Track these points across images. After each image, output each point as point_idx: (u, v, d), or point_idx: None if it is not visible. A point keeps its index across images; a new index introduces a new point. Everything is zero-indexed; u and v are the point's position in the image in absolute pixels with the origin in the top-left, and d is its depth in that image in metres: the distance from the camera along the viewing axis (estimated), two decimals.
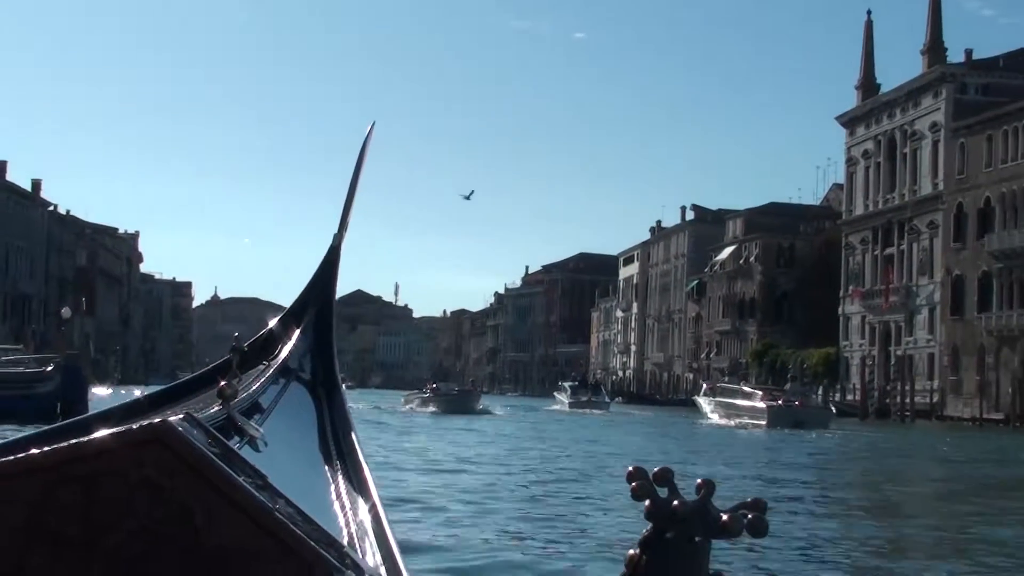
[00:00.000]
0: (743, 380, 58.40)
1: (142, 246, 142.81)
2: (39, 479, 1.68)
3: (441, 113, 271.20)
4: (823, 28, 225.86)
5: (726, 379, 62.24)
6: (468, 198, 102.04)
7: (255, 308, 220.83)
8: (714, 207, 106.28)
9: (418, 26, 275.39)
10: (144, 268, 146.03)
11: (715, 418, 50.86)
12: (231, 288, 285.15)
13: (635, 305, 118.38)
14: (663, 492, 1.64)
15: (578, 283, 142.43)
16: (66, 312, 57.48)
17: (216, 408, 2.74)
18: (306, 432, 3.61)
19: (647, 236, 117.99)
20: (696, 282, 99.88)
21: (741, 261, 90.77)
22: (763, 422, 45.59)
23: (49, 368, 29.21)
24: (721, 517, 1.61)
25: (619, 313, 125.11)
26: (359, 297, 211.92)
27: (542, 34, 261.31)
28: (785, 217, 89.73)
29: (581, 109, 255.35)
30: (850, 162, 79.14)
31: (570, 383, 72.78)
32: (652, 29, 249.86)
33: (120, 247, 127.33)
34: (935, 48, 70.24)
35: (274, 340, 4.16)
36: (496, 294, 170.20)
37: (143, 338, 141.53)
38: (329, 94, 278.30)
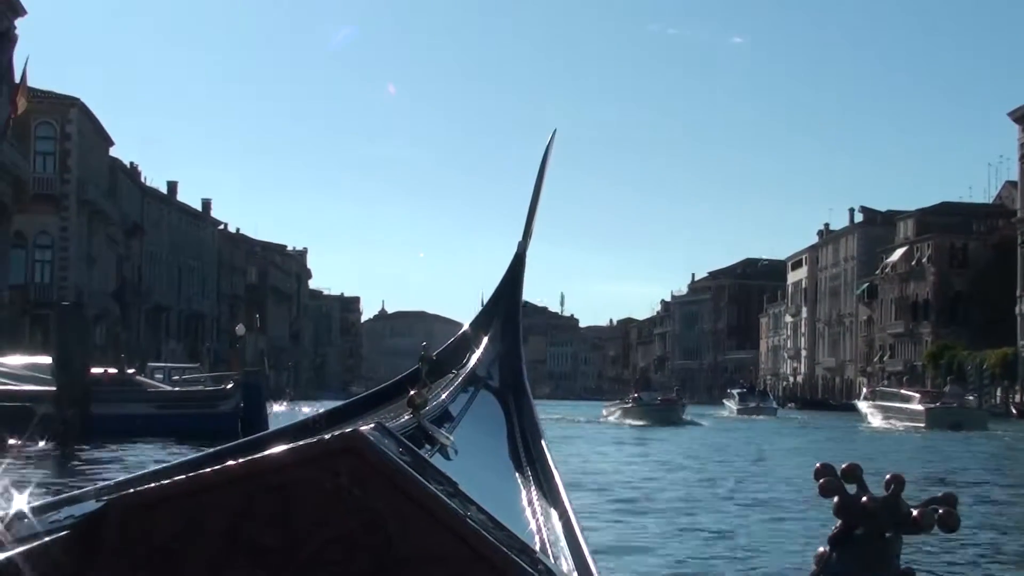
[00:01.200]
0: (903, 384, 57.19)
1: (310, 262, 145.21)
2: (240, 489, 1.72)
3: (606, 122, 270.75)
4: (994, 21, 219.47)
5: (886, 383, 60.90)
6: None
7: (422, 321, 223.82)
8: (883, 208, 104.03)
9: (579, 33, 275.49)
10: (313, 284, 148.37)
11: (875, 421, 51.20)
12: (398, 302, 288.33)
13: (804, 309, 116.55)
14: (851, 488, 1.61)
15: (745, 289, 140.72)
16: (240, 329, 58.32)
17: (407, 417, 2.81)
18: (496, 439, 3.67)
19: (814, 240, 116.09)
20: (867, 285, 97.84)
21: (913, 262, 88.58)
22: (921, 424, 45.87)
23: (229, 386, 29.17)
24: (911, 512, 1.60)
25: (788, 318, 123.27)
26: (527, 308, 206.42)
27: (699, 39, 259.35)
28: (957, 217, 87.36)
29: (746, 114, 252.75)
30: None
31: (738, 390, 73.60)
32: (814, 29, 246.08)
33: (289, 264, 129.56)
34: None
35: (462, 349, 4.22)
36: (662, 302, 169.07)
37: (313, 354, 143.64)
38: (492, 105, 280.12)
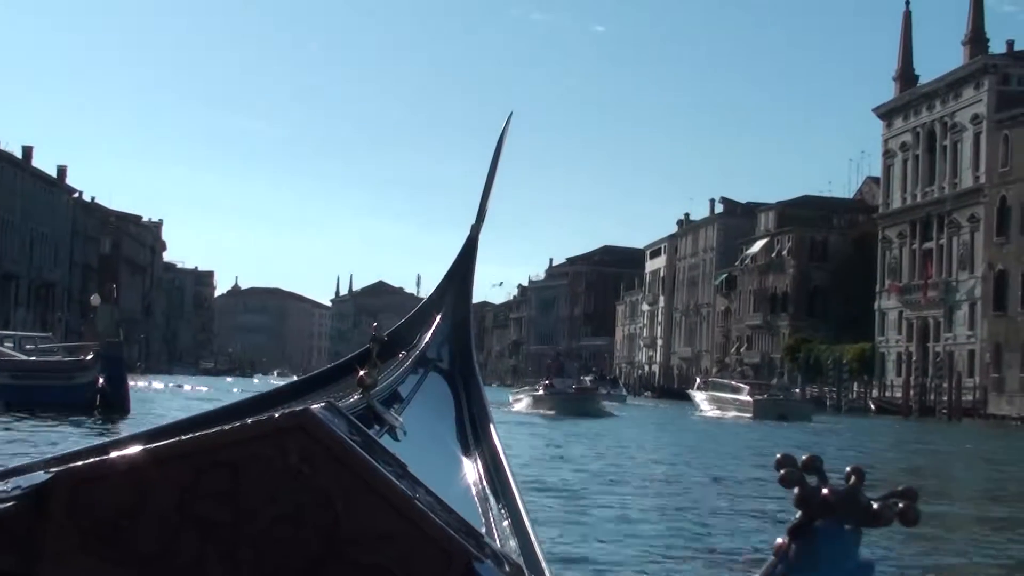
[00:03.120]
0: (736, 375, 58.52)
1: (165, 234, 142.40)
2: (189, 464, 1.75)
3: (461, 104, 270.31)
4: (856, 19, 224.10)
5: (739, 372, 61.84)
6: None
7: (276, 298, 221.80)
8: (743, 200, 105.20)
9: (434, 17, 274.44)
10: (167, 257, 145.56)
11: (707, 410, 52.82)
12: (252, 279, 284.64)
13: (662, 299, 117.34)
14: (812, 480, 1.61)
15: (603, 276, 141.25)
16: (95, 299, 56.58)
17: (356, 397, 2.83)
18: (444, 422, 3.63)
19: (674, 229, 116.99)
20: (725, 276, 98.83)
21: (773, 255, 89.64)
22: (749, 414, 47.76)
23: (89, 357, 27.77)
24: (872, 505, 1.59)
25: (645, 307, 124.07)
26: (380, 288, 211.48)
27: (562, 26, 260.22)
28: (818, 210, 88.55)
29: (607, 100, 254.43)
30: (887, 155, 77.84)
31: (589, 377, 73.43)
32: (680, 19, 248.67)
33: (144, 235, 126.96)
34: (977, 39, 69.07)
35: (413, 330, 4.19)
36: (519, 286, 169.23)
37: (165, 328, 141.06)
38: (345, 82, 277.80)
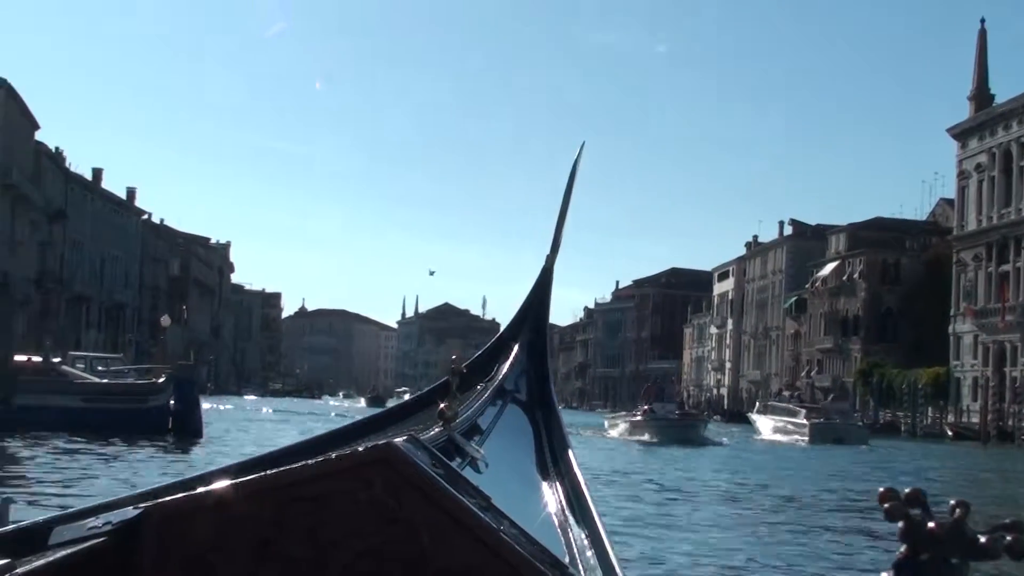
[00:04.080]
0: (793, 399, 57.92)
1: (233, 256, 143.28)
2: (272, 499, 1.77)
3: (526, 126, 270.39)
4: (930, 38, 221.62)
5: (777, 398, 61.75)
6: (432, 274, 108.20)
7: (343, 320, 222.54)
8: (813, 222, 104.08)
9: (498, 40, 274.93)
10: (235, 279, 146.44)
11: (766, 434, 52.65)
12: (319, 300, 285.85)
13: (730, 321, 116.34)
14: (916, 513, 1.61)
15: (670, 298, 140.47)
16: (166, 320, 56.66)
17: (437, 429, 2.78)
18: (524, 453, 3.64)
19: (742, 251, 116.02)
20: (795, 298, 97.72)
21: (844, 277, 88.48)
22: (807, 438, 47.80)
23: (162, 379, 27.67)
24: (979, 538, 1.58)
25: (713, 329, 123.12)
26: (446, 310, 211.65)
27: (628, 48, 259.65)
28: (890, 232, 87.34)
29: (672, 122, 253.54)
30: (962, 176, 76.53)
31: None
32: (745, 39, 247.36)
33: (212, 257, 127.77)
34: None
35: (490, 361, 4.22)
36: (586, 309, 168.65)
37: (233, 349, 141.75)
38: (414, 105, 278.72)
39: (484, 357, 4.33)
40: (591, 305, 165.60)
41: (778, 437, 50.26)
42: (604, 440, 38.90)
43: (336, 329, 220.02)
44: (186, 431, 25.74)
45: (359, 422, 3.60)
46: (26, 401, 22.68)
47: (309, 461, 1.79)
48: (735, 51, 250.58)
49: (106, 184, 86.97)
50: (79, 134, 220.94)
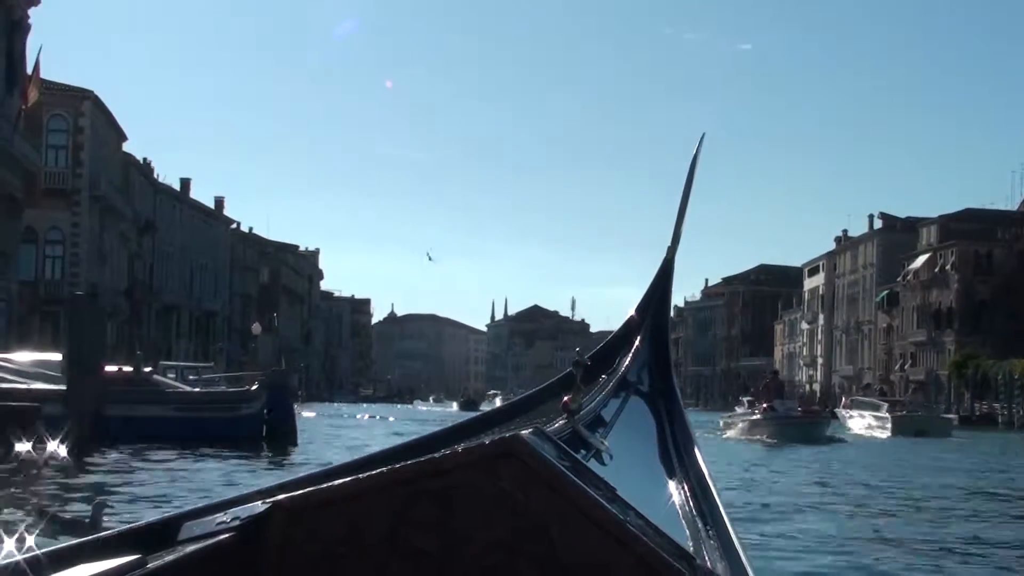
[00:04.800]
0: (878, 394, 60.24)
1: (322, 263, 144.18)
2: (399, 492, 1.79)
3: (612, 127, 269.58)
4: (1017, 26, 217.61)
5: (861, 393, 61.56)
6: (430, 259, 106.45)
7: (432, 324, 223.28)
8: (903, 215, 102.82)
9: (585, 41, 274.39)
10: (324, 285, 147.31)
11: (855, 428, 52.53)
12: (408, 305, 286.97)
13: (821, 317, 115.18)
14: None
15: (760, 295, 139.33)
16: (256, 328, 57.15)
17: (561, 422, 2.78)
18: (648, 445, 3.60)
19: (831, 246, 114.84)
20: (887, 292, 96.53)
21: (936, 269, 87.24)
22: (890, 431, 47.86)
23: (254, 387, 27.31)
24: None
25: (804, 325, 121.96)
26: (535, 312, 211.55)
27: (710, 45, 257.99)
28: (981, 223, 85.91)
29: (757, 119, 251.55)
30: None
31: (747, 398, 73.55)
32: (834, 32, 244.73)
33: (301, 264, 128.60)
34: None
35: (612, 353, 4.20)
36: (676, 307, 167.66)
37: (324, 356, 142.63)
38: (501, 108, 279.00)
39: (606, 349, 4.30)
40: (681, 304, 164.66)
41: (863, 431, 50.29)
42: (722, 441, 37.09)
43: (426, 334, 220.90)
44: (280, 439, 25.34)
45: (482, 415, 3.61)
46: (117, 412, 22.46)
47: (436, 455, 1.82)
48: (819, 46, 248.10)
49: (194, 194, 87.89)
50: (167, 145, 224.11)
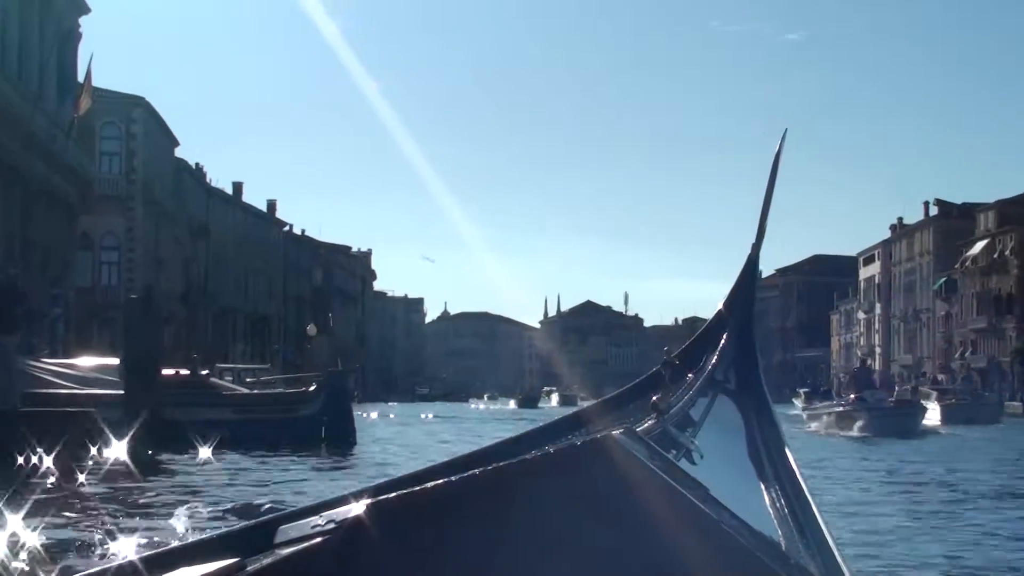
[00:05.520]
0: (931, 382, 59.61)
1: (374, 264, 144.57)
2: (492, 494, 1.79)
3: (662, 119, 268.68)
4: None
5: (919, 381, 61.97)
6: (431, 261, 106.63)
7: (486, 322, 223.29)
8: (959, 201, 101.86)
9: (643, 30, 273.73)
10: (377, 286, 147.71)
11: None
12: (461, 303, 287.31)
13: (877, 306, 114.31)
14: None
15: (814, 285, 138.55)
16: (312, 330, 57.17)
17: (651, 422, 2.79)
18: (737, 444, 3.51)
19: (886, 234, 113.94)
20: (944, 279, 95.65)
21: (995, 255, 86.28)
22: (939, 420, 47.15)
23: (312, 388, 27.14)
24: None
25: (860, 315, 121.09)
26: (589, 308, 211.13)
27: (757, 35, 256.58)
28: None
29: (811, 108, 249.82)
30: None
31: (804, 390, 74.61)
32: (881, 17, 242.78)
33: (354, 265, 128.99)
34: None
35: (698, 351, 4.22)
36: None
37: (379, 356, 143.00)
38: (554, 102, 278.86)
39: (693, 347, 4.32)
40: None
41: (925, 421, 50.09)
42: (806, 434, 35.06)
43: (480, 331, 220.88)
44: (339, 441, 25.00)
45: (569, 416, 3.61)
46: (175, 415, 22.39)
47: (527, 455, 1.81)
48: (867, 33, 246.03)
49: (247, 197, 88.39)
50: (218, 149, 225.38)
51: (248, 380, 37.83)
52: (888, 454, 25.38)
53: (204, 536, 2.26)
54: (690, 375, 3.89)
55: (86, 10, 43.85)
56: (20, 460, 15.39)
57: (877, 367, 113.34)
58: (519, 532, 1.71)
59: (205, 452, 19.82)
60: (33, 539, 8.31)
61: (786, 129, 5.16)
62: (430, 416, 55.72)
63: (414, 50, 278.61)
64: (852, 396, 39.41)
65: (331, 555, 1.80)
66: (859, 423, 36.57)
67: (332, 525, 1.86)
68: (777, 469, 3.31)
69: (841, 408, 39.66)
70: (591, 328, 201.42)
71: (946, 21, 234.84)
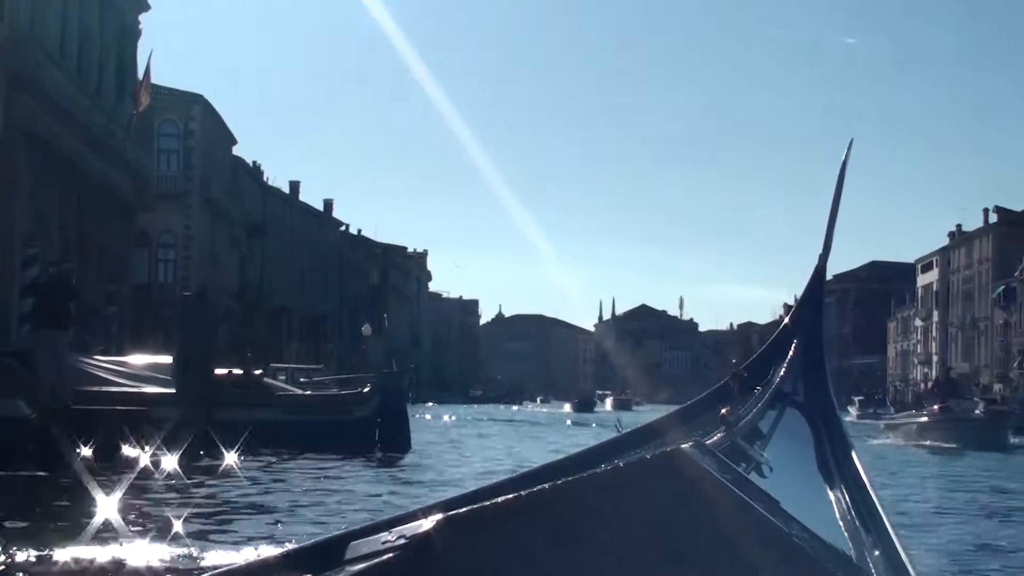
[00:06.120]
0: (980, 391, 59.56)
1: (430, 265, 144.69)
2: (564, 509, 1.79)
3: (714, 125, 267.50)
4: None
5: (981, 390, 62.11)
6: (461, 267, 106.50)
7: (540, 325, 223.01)
8: (1019, 208, 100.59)
9: (697, 34, 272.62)
10: (432, 287, 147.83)
11: None
12: (515, 306, 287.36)
13: (935, 313, 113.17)
14: None
15: (871, 292, 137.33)
16: (367, 330, 57.07)
17: (720, 435, 2.78)
18: (806, 457, 3.55)
19: (944, 241, 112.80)
20: (1003, 287, 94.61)
21: None
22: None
23: (367, 389, 26.38)
24: None
25: (918, 322, 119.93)
26: (644, 312, 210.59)
27: (819, 40, 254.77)
28: None
29: (870, 114, 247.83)
30: None
31: (859, 398, 78.72)
32: (938, 21, 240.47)
33: (410, 266, 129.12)
34: None
35: (766, 364, 4.22)
36: (785, 305, 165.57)
37: (433, 357, 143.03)
38: (609, 108, 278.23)
39: (760, 360, 4.35)
40: (791, 302, 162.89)
41: None
42: (882, 448, 32.55)
43: (534, 334, 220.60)
44: (394, 443, 24.47)
45: (641, 428, 3.63)
46: (228, 415, 22.10)
47: (598, 469, 1.82)
48: (925, 37, 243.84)
49: (303, 196, 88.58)
50: (276, 148, 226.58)
51: (301, 380, 37.65)
52: (983, 470, 23.57)
53: (275, 552, 2.29)
54: (758, 388, 3.90)
55: (146, 7, 44.08)
56: (70, 457, 15.39)
57: (934, 375, 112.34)
58: (590, 546, 1.72)
59: (235, 458, 19.64)
60: (100, 554, 8.25)
61: (852, 139, 5.09)
62: (484, 419, 55.47)
63: (479, 52, 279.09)
64: (937, 406, 36.80)
65: (402, 571, 1.81)
66: (945, 434, 34.25)
67: (403, 541, 1.86)
68: (847, 481, 3.30)
69: (925, 418, 37.27)
70: (646, 332, 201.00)
71: (1008, 27, 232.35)
